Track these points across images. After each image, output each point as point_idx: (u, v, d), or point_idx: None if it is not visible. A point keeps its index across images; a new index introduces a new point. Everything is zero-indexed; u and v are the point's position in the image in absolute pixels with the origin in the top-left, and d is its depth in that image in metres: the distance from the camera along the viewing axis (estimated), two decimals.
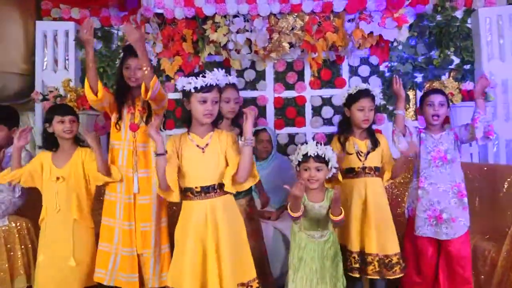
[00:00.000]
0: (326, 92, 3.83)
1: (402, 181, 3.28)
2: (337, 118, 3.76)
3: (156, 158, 1.87)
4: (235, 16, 3.50)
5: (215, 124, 2.00)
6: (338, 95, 3.79)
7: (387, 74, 3.80)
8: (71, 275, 2.24)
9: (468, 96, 3.40)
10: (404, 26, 3.45)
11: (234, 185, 1.93)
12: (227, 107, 2.31)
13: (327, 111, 3.81)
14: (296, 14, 3.49)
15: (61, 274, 2.23)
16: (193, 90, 1.85)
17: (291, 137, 3.84)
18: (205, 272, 1.86)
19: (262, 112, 3.81)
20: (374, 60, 3.79)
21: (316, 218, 2.09)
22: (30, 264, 2.41)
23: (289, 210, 2.06)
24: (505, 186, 2.79)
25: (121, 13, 3.77)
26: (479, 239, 2.54)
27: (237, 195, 2.29)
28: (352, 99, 2.42)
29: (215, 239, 1.86)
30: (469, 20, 3.73)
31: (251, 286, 1.94)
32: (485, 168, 2.96)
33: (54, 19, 3.82)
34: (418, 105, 3.75)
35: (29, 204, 2.57)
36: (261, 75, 3.85)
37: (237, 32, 3.50)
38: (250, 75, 3.83)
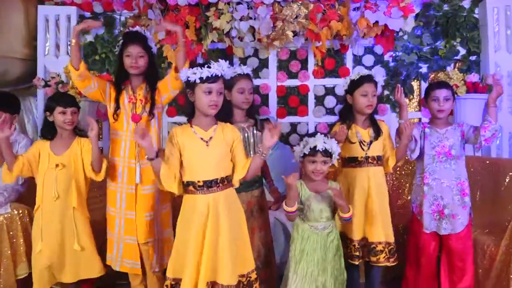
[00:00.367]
0: (330, 82, 3.79)
1: (403, 172, 3.29)
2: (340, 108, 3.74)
3: (151, 164, 1.89)
4: (238, 3, 3.44)
5: (226, 121, 1.99)
6: (342, 85, 3.76)
7: (391, 64, 3.76)
8: (70, 263, 2.27)
9: (473, 88, 3.37)
10: (410, 16, 3.39)
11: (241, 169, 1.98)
12: (241, 98, 2.29)
13: (330, 101, 3.78)
14: (300, 2, 3.44)
15: (60, 262, 2.26)
16: (198, 81, 1.84)
17: (293, 126, 3.83)
18: (201, 262, 1.87)
19: (264, 100, 3.80)
20: (378, 49, 3.75)
21: (319, 208, 2.10)
22: (31, 251, 2.42)
23: (284, 206, 2.08)
24: (507, 180, 2.79)
25: None
26: (479, 233, 2.55)
27: (250, 187, 2.35)
28: (355, 84, 2.39)
29: (216, 233, 1.86)
30: (476, 10, 3.67)
31: (250, 277, 1.96)
32: (487, 162, 2.95)
33: (56, 4, 3.77)
34: (422, 96, 3.79)
35: (30, 191, 2.58)
36: (264, 63, 3.81)
37: (241, 20, 3.45)
38: (253, 63, 3.80)
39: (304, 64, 3.80)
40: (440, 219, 2.39)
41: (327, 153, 2.07)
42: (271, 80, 3.80)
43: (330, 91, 3.80)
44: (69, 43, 3.74)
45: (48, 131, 2.34)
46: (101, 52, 3.76)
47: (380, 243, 2.30)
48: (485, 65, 3.63)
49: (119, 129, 2.39)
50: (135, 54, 2.33)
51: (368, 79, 2.36)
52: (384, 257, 2.30)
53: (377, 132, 2.39)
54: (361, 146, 2.37)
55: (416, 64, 3.73)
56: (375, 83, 2.37)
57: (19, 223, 2.41)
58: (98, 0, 3.75)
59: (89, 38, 3.80)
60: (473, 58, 3.71)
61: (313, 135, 2.10)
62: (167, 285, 1.92)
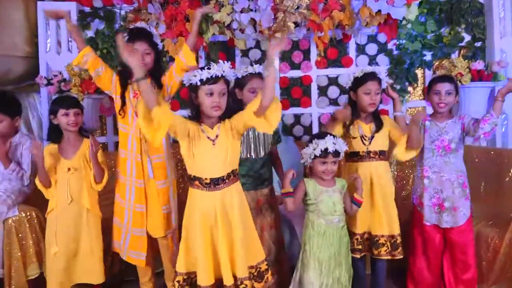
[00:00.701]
0: (333, 72, 3.77)
1: (407, 163, 3.28)
2: (343, 99, 3.72)
3: (138, 84, 1.83)
4: None
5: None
6: (345, 75, 3.75)
7: (395, 53, 3.72)
8: (84, 265, 2.32)
9: (478, 76, 3.32)
10: (413, 4, 3.34)
11: (259, 116, 1.83)
12: (252, 97, 2.28)
13: (333, 91, 3.76)
14: None
15: (75, 264, 2.32)
16: (199, 83, 1.85)
17: (297, 117, 3.82)
18: (217, 258, 1.90)
19: None
20: (382, 37, 3.70)
21: (331, 201, 2.15)
22: (41, 252, 2.48)
23: (281, 190, 2.15)
24: (511, 171, 2.77)
25: None
26: (482, 225, 2.54)
27: (260, 185, 2.36)
28: (358, 82, 2.38)
29: (228, 228, 1.90)
30: None
31: (260, 267, 2.00)
32: (492, 153, 2.93)
33: None
34: (426, 84, 3.75)
35: (36, 192, 2.62)
36: (266, 55, 3.77)
37: (241, 12, 3.41)
38: (255, 54, 3.78)
39: (306, 54, 3.77)
40: (441, 212, 2.40)
41: (337, 154, 2.12)
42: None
43: (333, 81, 3.78)
44: (70, 39, 3.73)
45: (55, 135, 2.37)
46: (102, 48, 3.74)
47: (382, 236, 2.33)
48: (491, 51, 3.57)
49: (124, 122, 2.40)
50: (141, 51, 2.33)
51: (371, 77, 2.34)
52: (386, 250, 2.32)
53: (379, 126, 2.38)
54: (362, 141, 2.38)
55: (420, 52, 3.67)
56: (379, 80, 2.35)
57: (27, 225, 2.45)
58: None
59: (90, 33, 3.78)
60: (478, 44, 3.65)
61: (322, 137, 2.13)
62: (178, 281, 1.94)
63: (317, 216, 2.15)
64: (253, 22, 3.46)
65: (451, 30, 3.64)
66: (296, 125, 3.82)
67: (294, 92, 3.78)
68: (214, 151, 1.89)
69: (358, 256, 2.35)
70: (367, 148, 2.37)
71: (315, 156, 2.11)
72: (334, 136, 2.14)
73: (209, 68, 1.85)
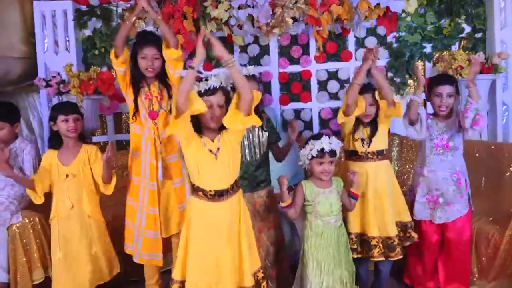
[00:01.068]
0: (332, 66, 3.75)
1: (407, 159, 3.29)
2: (343, 93, 3.70)
3: (189, 71, 1.76)
4: None
5: None
6: (344, 69, 3.74)
7: (394, 45, 3.69)
8: (89, 271, 2.34)
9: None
10: None
11: (244, 113, 1.82)
12: None
13: (333, 85, 3.75)
14: None
15: (79, 270, 2.33)
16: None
17: (297, 112, 3.82)
18: (218, 269, 1.90)
19: (267, 87, 3.76)
20: (381, 30, 3.67)
21: (329, 203, 2.17)
22: (45, 256, 2.51)
23: (281, 204, 2.16)
24: None
25: None
26: (483, 221, 2.56)
27: (256, 187, 2.37)
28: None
29: (231, 238, 1.90)
30: None
31: (258, 275, 2.02)
32: (493, 147, 2.93)
33: None
34: (426, 76, 3.73)
35: None
36: (265, 50, 3.76)
37: (239, 8, 3.38)
38: (253, 50, 3.75)
39: (305, 49, 3.75)
40: (435, 208, 2.43)
41: (333, 153, 2.14)
42: (273, 67, 3.76)
43: (333, 75, 3.76)
44: (67, 38, 3.71)
45: (55, 141, 2.37)
46: (100, 46, 3.72)
47: (374, 237, 2.34)
48: (491, 42, 3.54)
49: (138, 123, 2.40)
50: (150, 56, 2.32)
51: (365, 89, 2.34)
52: (379, 252, 2.33)
53: (373, 131, 2.40)
54: (362, 143, 2.41)
55: (420, 44, 3.66)
56: (373, 91, 2.34)
57: (31, 230, 2.47)
58: None
59: (87, 32, 3.75)
60: (478, 35, 3.62)
61: (318, 137, 2.14)
62: None
63: (314, 217, 2.18)
64: (251, 18, 3.42)
65: (451, 21, 3.61)
66: (296, 120, 3.80)
67: (293, 87, 3.77)
68: (217, 164, 1.88)
69: (354, 256, 2.36)
70: (366, 150, 2.40)
71: (312, 157, 2.13)
72: (329, 136, 2.16)
73: (206, 80, 1.84)
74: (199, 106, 1.79)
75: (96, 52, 3.75)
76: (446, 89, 2.36)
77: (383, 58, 3.69)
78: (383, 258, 2.35)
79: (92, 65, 3.77)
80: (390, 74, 3.70)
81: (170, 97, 2.39)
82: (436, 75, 2.50)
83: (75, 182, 2.33)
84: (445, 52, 3.61)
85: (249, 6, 3.37)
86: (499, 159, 2.85)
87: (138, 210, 2.39)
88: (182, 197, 2.43)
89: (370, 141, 2.39)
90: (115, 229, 2.62)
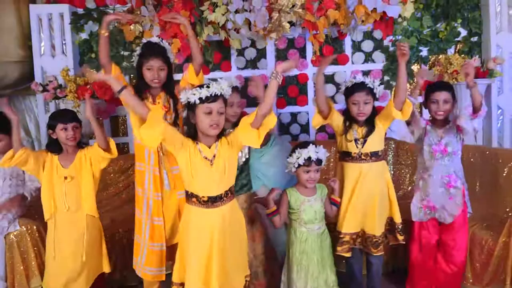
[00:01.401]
0: (329, 69, 3.73)
1: (403, 163, 3.31)
2: (340, 96, 3.72)
3: (120, 96, 1.86)
4: None
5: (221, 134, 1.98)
6: (341, 72, 3.75)
7: (391, 49, 3.71)
8: (83, 269, 2.34)
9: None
10: (409, 1, 3.31)
11: (254, 128, 1.88)
12: (230, 111, 2.28)
13: (329, 89, 3.76)
14: None
15: (74, 269, 2.32)
16: (198, 101, 1.84)
17: (293, 116, 3.83)
18: (210, 273, 1.92)
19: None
20: (378, 34, 3.68)
21: (313, 211, 2.22)
22: (43, 264, 2.48)
23: (265, 211, 2.23)
24: (506, 171, 2.80)
25: None
26: (477, 227, 2.58)
27: (239, 190, 2.35)
28: (347, 92, 2.41)
29: (223, 244, 1.92)
30: None
31: (246, 279, 2.06)
32: (487, 152, 2.95)
33: (48, 2, 3.71)
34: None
35: (37, 204, 2.65)
36: (262, 53, 3.77)
37: (236, 12, 3.38)
38: (250, 53, 3.76)
39: (302, 52, 3.76)
40: (432, 212, 2.48)
41: (319, 162, 2.19)
42: (270, 71, 3.72)
43: (329, 79, 3.77)
44: (64, 42, 3.71)
45: (55, 147, 2.38)
46: (97, 50, 3.70)
47: (346, 233, 2.40)
48: (487, 46, 3.56)
49: None
50: (156, 67, 2.33)
51: (359, 87, 2.34)
52: (360, 243, 2.42)
53: (370, 130, 2.40)
54: (355, 144, 2.41)
55: (416, 48, 3.67)
56: (368, 90, 2.34)
57: (28, 239, 2.48)
58: None
59: (84, 35, 3.75)
60: (474, 39, 3.65)
61: (305, 146, 2.18)
62: None
63: (299, 225, 2.23)
64: (248, 22, 3.43)
65: (447, 25, 3.62)
66: (293, 124, 3.83)
67: (290, 91, 3.78)
68: (211, 171, 1.89)
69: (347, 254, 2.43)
70: (359, 151, 2.40)
71: (299, 165, 2.18)
72: (316, 145, 2.19)
73: (208, 87, 1.84)
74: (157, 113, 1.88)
75: (93, 55, 3.75)
76: (442, 95, 2.39)
77: (379, 62, 3.71)
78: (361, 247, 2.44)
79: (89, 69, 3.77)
80: (386, 78, 3.72)
81: (177, 112, 2.39)
82: (433, 82, 2.51)
83: (73, 184, 2.33)
84: (441, 56, 3.63)
85: (246, 10, 3.38)
86: (493, 165, 2.87)
87: (143, 222, 2.40)
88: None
89: (365, 141, 2.39)
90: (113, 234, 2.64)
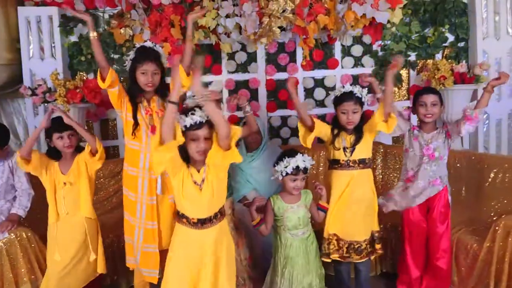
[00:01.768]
0: (319, 73, 3.80)
1: (391, 167, 3.35)
2: (330, 100, 3.75)
3: (169, 106, 1.80)
4: (223, 0, 3.38)
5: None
6: (331, 76, 3.78)
7: (380, 54, 3.75)
8: (83, 271, 2.39)
9: (460, 78, 3.37)
10: (397, 8, 3.34)
11: (223, 148, 1.84)
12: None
13: (319, 93, 3.80)
14: None
15: (75, 271, 2.37)
16: (183, 129, 1.85)
17: (284, 119, 3.86)
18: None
19: (254, 95, 3.80)
20: (367, 39, 3.72)
21: (296, 217, 2.27)
22: (34, 271, 2.51)
23: (252, 223, 2.27)
24: (491, 176, 2.86)
25: None
26: (463, 232, 2.63)
27: None
28: (336, 101, 2.46)
29: (212, 265, 1.93)
30: None
31: None
32: (473, 158, 3.00)
33: (36, 4, 3.67)
34: (411, 84, 3.80)
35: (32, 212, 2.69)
36: (252, 57, 3.79)
37: (227, 17, 3.39)
38: (241, 57, 3.78)
39: (292, 56, 3.78)
40: (411, 197, 2.54)
41: (306, 171, 2.24)
42: (260, 74, 3.79)
43: (319, 83, 3.81)
44: (53, 44, 3.68)
45: (54, 155, 2.40)
46: (87, 53, 3.70)
47: (342, 240, 2.45)
48: (473, 52, 3.62)
49: (136, 140, 2.38)
50: (150, 72, 2.34)
51: (347, 97, 2.38)
52: (341, 254, 2.45)
53: (358, 138, 2.45)
54: (344, 152, 2.45)
55: (404, 53, 3.71)
56: (356, 100, 2.38)
57: (18, 246, 2.47)
58: None
59: (73, 38, 3.73)
60: (461, 44, 3.70)
61: (293, 155, 2.22)
62: None
63: (283, 230, 2.27)
64: (238, 26, 3.44)
65: (435, 30, 3.67)
66: (283, 127, 3.86)
67: (280, 95, 3.80)
68: (201, 195, 1.90)
69: (336, 257, 2.47)
70: (348, 158, 2.45)
71: (287, 173, 2.21)
72: (303, 153, 2.24)
73: (192, 114, 1.84)
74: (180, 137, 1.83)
75: (83, 58, 3.72)
76: (430, 98, 2.43)
77: (368, 66, 3.75)
78: (341, 259, 2.46)
79: (78, 71, 3.75)
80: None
81: None
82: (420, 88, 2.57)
83: (71, 189, 2.37)
84: (429, 61, 3.69)
85: (236, 15, 3.39)
86: (479, 170, 2.92)
87: (136, 226, 2.41)
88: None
89: (353, 149, 2.43)
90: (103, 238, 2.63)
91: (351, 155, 2.44)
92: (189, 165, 1.93)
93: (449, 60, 3.51)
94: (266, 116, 3.81)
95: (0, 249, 2.46)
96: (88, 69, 3.75)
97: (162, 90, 2.43)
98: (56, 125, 2.33)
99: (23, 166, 2.32)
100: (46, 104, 3.34)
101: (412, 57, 3.73)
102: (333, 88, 3.76)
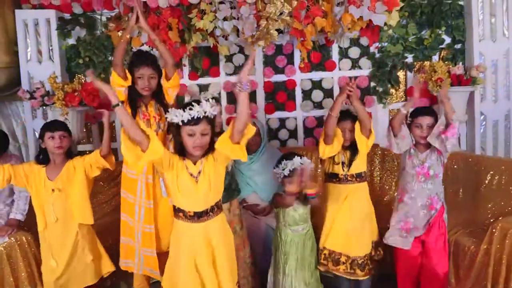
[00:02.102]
0: (316, 75, 3.81)
1: (389, 169, 3.37)
2: (327, 102, 3.77)
3: (116, 111, 1.81)
4: (221, 3, 3.38)
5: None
6: (328, 78, 3.80)
7: (377, 55, 3.76)
8: (81, 273, 2.39)
9: (457, 80, 3.39)
10: (394, 10, 3.35)
11: (233, 140, 1.84)
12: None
13: (317, 95, 3.81)
14: None
15: (68, 277, 2.36)
16: (180, 123, 1.85)
17: (282, 121, 3.87)
18: (203, 284, 1.95)
19: (252, 97, 3.81)
20: (364, 41, 3.74)
21: (297, 214, 2.37)
22: (34, 275, 2.53)
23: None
24: (488, 178, 2.88)
25: None
26: (460, 234, 2.65)
27: (231, 197, 2.43)
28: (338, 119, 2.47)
29: (211, 258, 1.94)
30: None
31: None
32: (470, 160, 3.02)
33: (33, 7, 3.68)
34: (408, 86, 3.82)
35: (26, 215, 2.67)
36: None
37: (224, 19, 3.40)
38: (239, 59, 3.79)
39: (290, 58, 3.80)
40: (407, 236, 2.50)
41: None
42: (258, 77, 3.80)
43: (317, 85, 3.82)
44: (51, 47, 3.68)
45: (43, 158, 2.39)
46: (85, 56, 3.71)
47: (341, 254, 2.46)
48: (470, 54, 3.64)
49: None
50: (147, 76, 2.37)
51: (345, 116, 2.45)
52: (344, 269, 2.45)
53: (354, 154, 2.50)
54: (342, 166, 2.51)
55: (401, 55, 3.73)
56: (352, 118, 2.44)
57: (18, 250, 2.48)
58: (77, 1, 3.66)
59: (71, 41, 3.73)
60: (458, 46, 3.72)
61: (290, 158, 2.31)
62: None
63: (284, 226, 2.38)
64: (236, 29, 3.45)
65: (431, 32, 3.69)
66: (281, 129, 3.87)
67: (278, 97, 3.82)
68: (197, 187, 1.90)
69: (321, 269, 2.49)
70: (346, 173, 2.50)
71: (285, 176, 2.31)
72: (301, 156, 2.32)
73: (190, 109, 1.84)
74: (156, 149, 1.83)
75: (81, 61, 3.73)
76: (426, 120, 2.42)
77: (366, 68, 3.77)
78: (348, 276, 2.46)
79: (76, 74, 3.75)
80: (373, 84, 3.77)
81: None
82: (417, 107, 2.55)
83: (60, 196, 2.35)
84: (425, 63, 3.71)
85: (234, 18, 3.39)
86: (476, 172, 2.94)
87: (135, 229, 2.43)
88: None
89: (350, 164, 2.49)
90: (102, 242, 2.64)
91: (348, 170, 2.49)
92: (185, 157, 1.93)
93: (446, 62, 3.53)
94: (264, 118, 3.82)
95: (0, 253, 2.47)
96: (86, 71, 3.75)
97: (159, 95, 2.46)
98: (50, 125, 2.36)
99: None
100: (44, 107, 3.34)
101: (409, 59, 3.75)
102: (331, 90, 3.79)
